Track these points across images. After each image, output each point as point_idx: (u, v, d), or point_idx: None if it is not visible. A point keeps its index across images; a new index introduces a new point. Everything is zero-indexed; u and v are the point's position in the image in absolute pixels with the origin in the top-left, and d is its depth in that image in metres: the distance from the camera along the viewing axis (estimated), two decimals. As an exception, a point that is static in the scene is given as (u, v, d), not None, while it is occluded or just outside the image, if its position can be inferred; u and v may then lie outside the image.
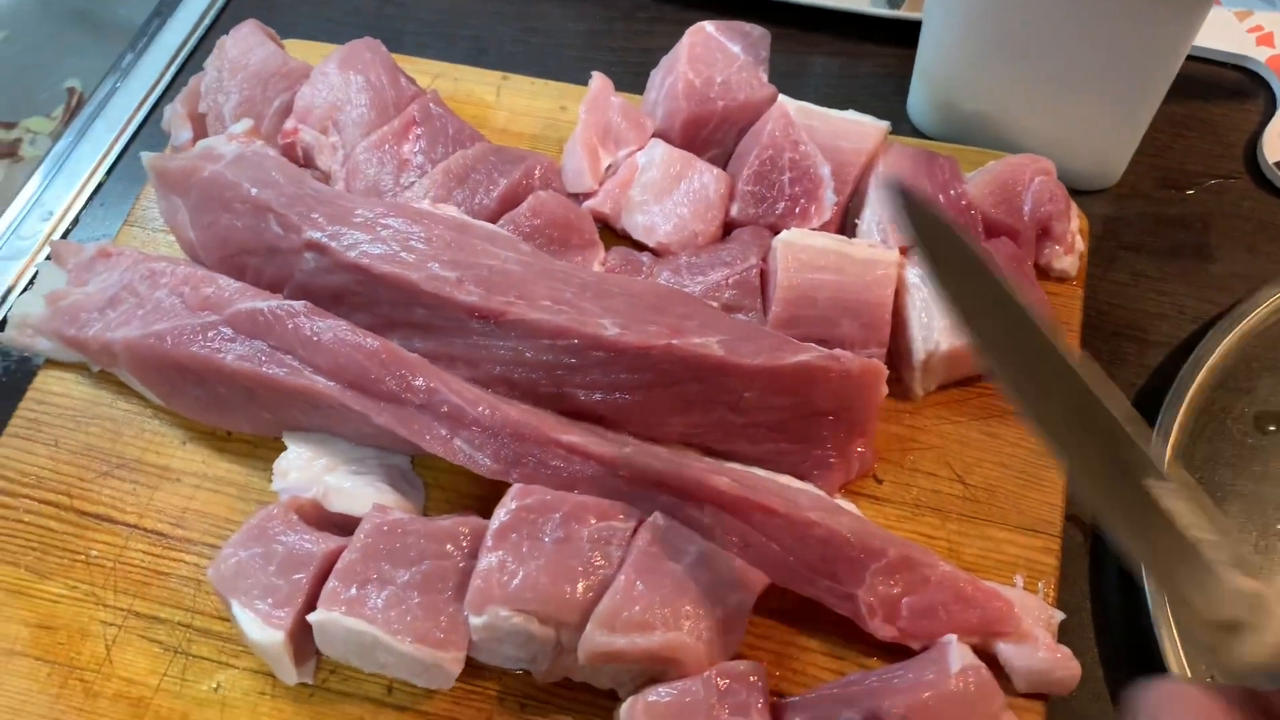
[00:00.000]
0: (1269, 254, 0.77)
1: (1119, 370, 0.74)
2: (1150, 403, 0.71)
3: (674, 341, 0.64)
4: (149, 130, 0.91)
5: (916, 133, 0.85)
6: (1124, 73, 0.72)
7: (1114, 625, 0.65)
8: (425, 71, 0.86)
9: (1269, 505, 0.68)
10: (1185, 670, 0.60)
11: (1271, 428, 0.71)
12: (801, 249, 0.69)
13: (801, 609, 0.63)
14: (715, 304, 0.70)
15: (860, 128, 0.74)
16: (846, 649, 0.62)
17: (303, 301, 0.66)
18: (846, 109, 0.76)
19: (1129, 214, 0.81)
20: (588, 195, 0.76)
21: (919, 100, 0.84)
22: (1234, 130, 0.84)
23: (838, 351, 0.65)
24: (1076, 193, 0.80)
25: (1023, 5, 0.71)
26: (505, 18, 0.95)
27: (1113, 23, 0.69)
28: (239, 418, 0.69)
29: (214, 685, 0.63)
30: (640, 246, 0.75)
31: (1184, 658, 0.61)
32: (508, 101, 0.85)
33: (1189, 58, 0.86)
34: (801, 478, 0.67)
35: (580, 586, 0.59)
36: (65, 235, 0.86)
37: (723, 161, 0.78)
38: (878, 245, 0.70)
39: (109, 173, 0.89)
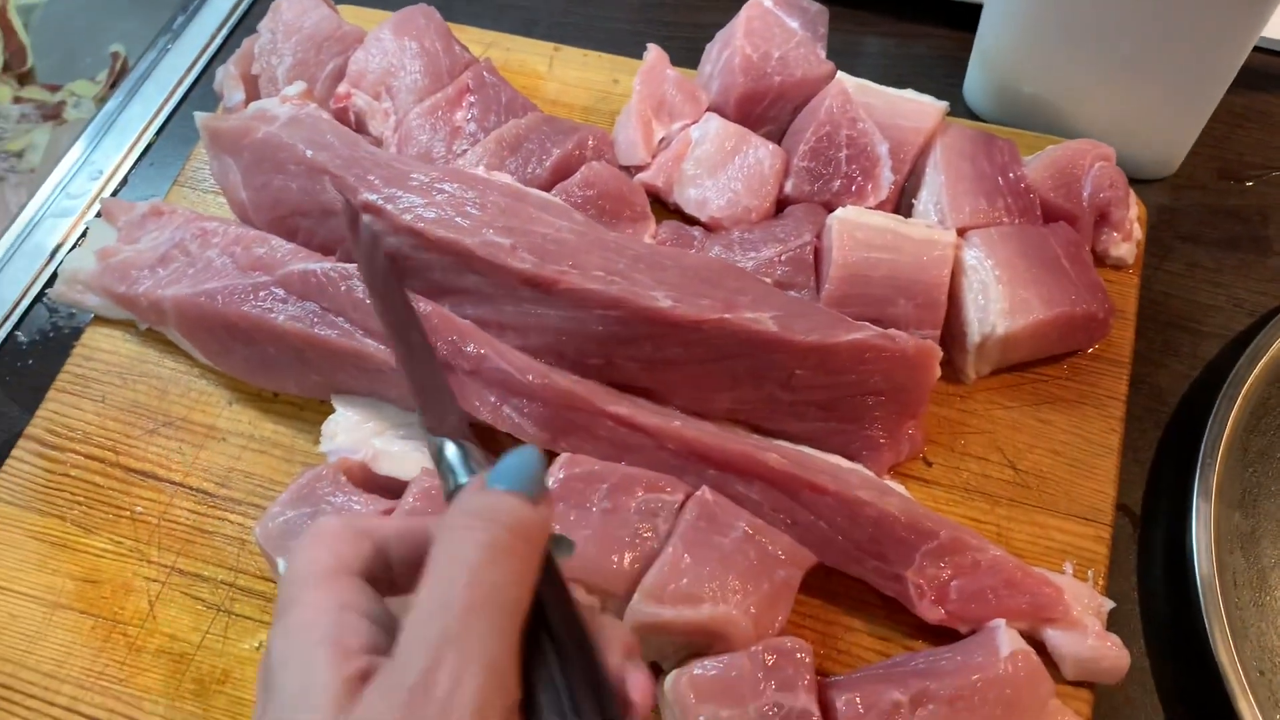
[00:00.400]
0: (1327, 247, 0.76)
1: (1172, 361, 0.73)
2: (1203, 395, 0.70)
3: (727, 316, 0.64)
4: (199, 92, 0.91)
5: (972, 116, 0.84)
6: (1189, 61, 0.71)
7: (1161, 615, 0.65)
8: (477, 41, 0.86)
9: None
10: (1236, 663, 0.60)
11: (1330, 423, 0.70)
12: (857, 227, 0.68)
13: (847, 589, 0.63)
14: (768, 280, 0.69)
15: (919, 107, 0.73)
16: (892, 630, 0.62)
17: (356, 264, 0.66)
18: (903, 90, 0.76)
19: (1186, 204, 0.79)
20: (640, 168, 0.76)
21: (976, 82, 0.83)
22: (1296, 122, 0.82)
23: (892, 331, 0.65)
24: (1134, 181, 0.79)
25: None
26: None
27: (1181, 10, 0.68)
28: (287, 379, 0.69)
29: (256, 644, 0.63)
30: (692, 221, 0.75)
31: (1234, 649, 0.60)
32: (560, 73, 0.85)
33: (1258, 50, 0.85)
34: (850, 458, 0.66)
35: (627, 557, 0.59)
36: (115, 194, 0.86)
37: (777, 138, 0.77)
38: (935, 226, 0.69)
39: (159, 133, 0.89)
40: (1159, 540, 0.67)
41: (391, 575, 0.42)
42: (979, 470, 0.67)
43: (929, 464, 0.67)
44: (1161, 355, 0.73)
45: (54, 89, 1.44)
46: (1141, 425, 0.70)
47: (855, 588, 0.62)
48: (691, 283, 0.66)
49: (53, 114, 1.39)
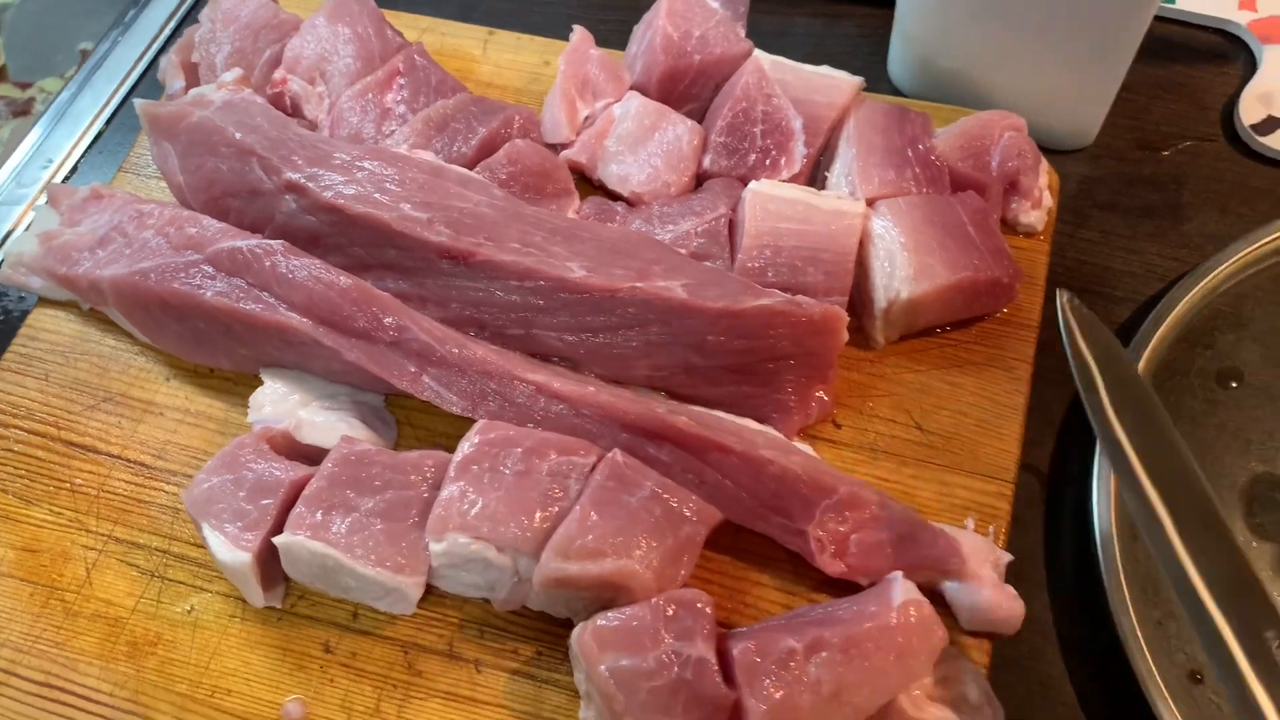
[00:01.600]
0: (1240, 214, 0.78)
1: (1084, 325, 0.74)
2: (1113, 357, 0.72)
3: (639, 285, 0.66)
4: (148, 82, 0.94)
5: (897, 92, 0.86)
6: (1094, 34, 0.73)
7: (1066, 570, 0.67)
8: (414, 26, 0.88)
9: (1225, 456, 0.68)
10: (1131, 614, 0.61)
11: (1233, 384, 0.71)
12: (770, 199, 0.70)
13: (755, 546, 0.65)
14: (684, 251, 0.71)
15: (833, 82, 0.75)
16: (797, 584, 0.64)
17: (280, 240, 0.69)
18: (819, 67, 0.78)
19: (1104, 174, 0.81)
20: (565, 146, 0.78)
21: (898, 59, 0.85)
22: (1212, 93, 0.84)
23: (799, 298, 0.67)
24: (1053, 152, 0.81)
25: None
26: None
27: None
28: (218, 354, 0.71)
29: (188, 608, 0.66)
30: (615, 196, 0.77)
31: (1129, 601, 0.62)
32: (493, 56, 0.87)
33: (1170, 21, 0.87)
34: (762, 421, 0.68)
35: (537, 517, 0.61)
36: (65, 181, 0.88)
37: (700, 115, 0.79)
38: (845, 197, 0.71)
39: (108, 122, 0.92)
40: (1068, 498, 0.69)
41: None
42: (887, 431, 0.69)
43: (838, 426, 0.69)
44: (1074, 320, 0.75)
45: (25, 86, 1.46)
46: (1053, 388, 0.72)
47: (763, 545, 0.65)
48: (607, 254, 0.68)
49: (22, 110, 1.42)
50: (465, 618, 0.64)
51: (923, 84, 0.83)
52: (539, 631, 0.63)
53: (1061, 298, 0.64)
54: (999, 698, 0.60)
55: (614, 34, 0.85)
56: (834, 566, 0.62)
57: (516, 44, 0.87)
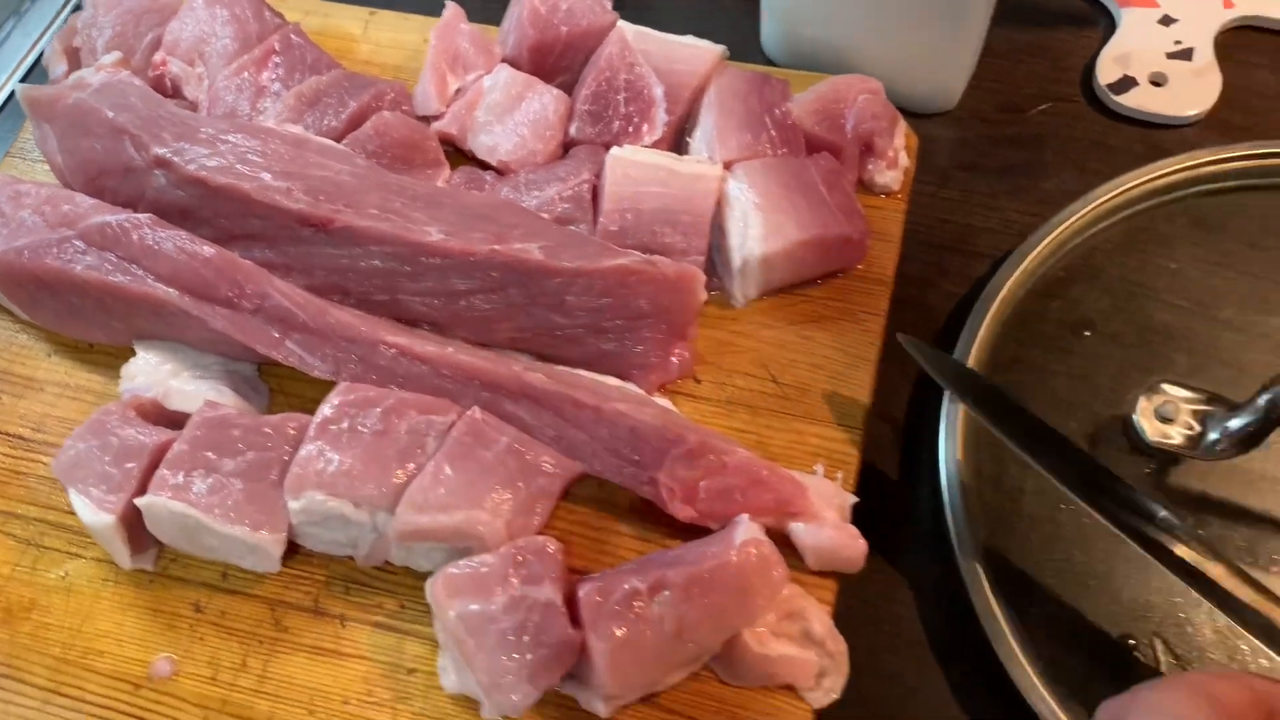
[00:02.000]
0: (1097, 170, 0.80)
1: (943, 281, 0.77)
2: (968, 311, 0.74)
3: (497, 247, 0.68)
4: (40, 71, 0.95)
5: (769, 62, 0.88)
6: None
7: (921, 514, 0.69)
8: (295, 8, 0.90)
9: (1076, 401, 0.71)
10: (972, 551, 0.64)
11: (1086, 332, 0.74)
12: (630, 165, 0.73)
13: (617, 498, 0.67)
14: (549, 216, 0.73)
15: (695, 51, 0.78)
16: (653, 532, 0.66)
17: (147, 215, 0.70)
18: (683, 36, 0.80)
19: (968, 135, 0.84)
20: (437, 118, 0.80)
21: (768, 30, 0.87)
22: (1073, 55, 0.86)
23: (655, 257, 0.69)
24: (917, 116, 0.83)
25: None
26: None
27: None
28: (94, 328, 0.73)
29: (62, 574, 0.67)
30: (486, 166, 0.79)
31: (970, 538, 0.64)
32: (374, 35, 0.89)
33: (1034, -14, 0.90)
34: (624, 378, 0.70)
35: (395, 473, 0.63)
36: (-44, 169, 0.89)
37: (571, 87, 0.81)
38: (704, 161, 0.73)
39: (1, 109, 0.93)
40: (924, 445, 0.71)
41: None
42: (744, 385, 0.71)
43: (699, 381, 0.71)
44: (935, 276, 0.77)
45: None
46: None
47: (624, 496, 0.67)
48: (467, 219, 0.70)
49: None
50: (331, 575, 0.66)
51: (792, 54, 0.86)
52: (404, 587, 0.65)
53: (901, 339, 0.67)
54: (848, 637, 0.62)
55: (498, 10, 0.87)
56: (684, 512, 0.64)
57: (397, 22, 0.89)
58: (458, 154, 0.81)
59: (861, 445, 0.68)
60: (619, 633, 0.58)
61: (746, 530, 0.61)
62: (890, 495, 0.69)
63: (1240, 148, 0.78)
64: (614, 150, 0.73)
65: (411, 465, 0.63)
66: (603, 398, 0.65)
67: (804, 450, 0.68)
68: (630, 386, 0.70)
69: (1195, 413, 0.66)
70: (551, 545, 0.61)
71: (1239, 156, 0.78)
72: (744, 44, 0.85)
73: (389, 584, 0.65)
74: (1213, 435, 0.64)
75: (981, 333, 0.72)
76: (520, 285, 0.68)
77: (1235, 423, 0.63)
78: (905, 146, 0.78)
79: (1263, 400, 0.61)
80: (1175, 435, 0.66)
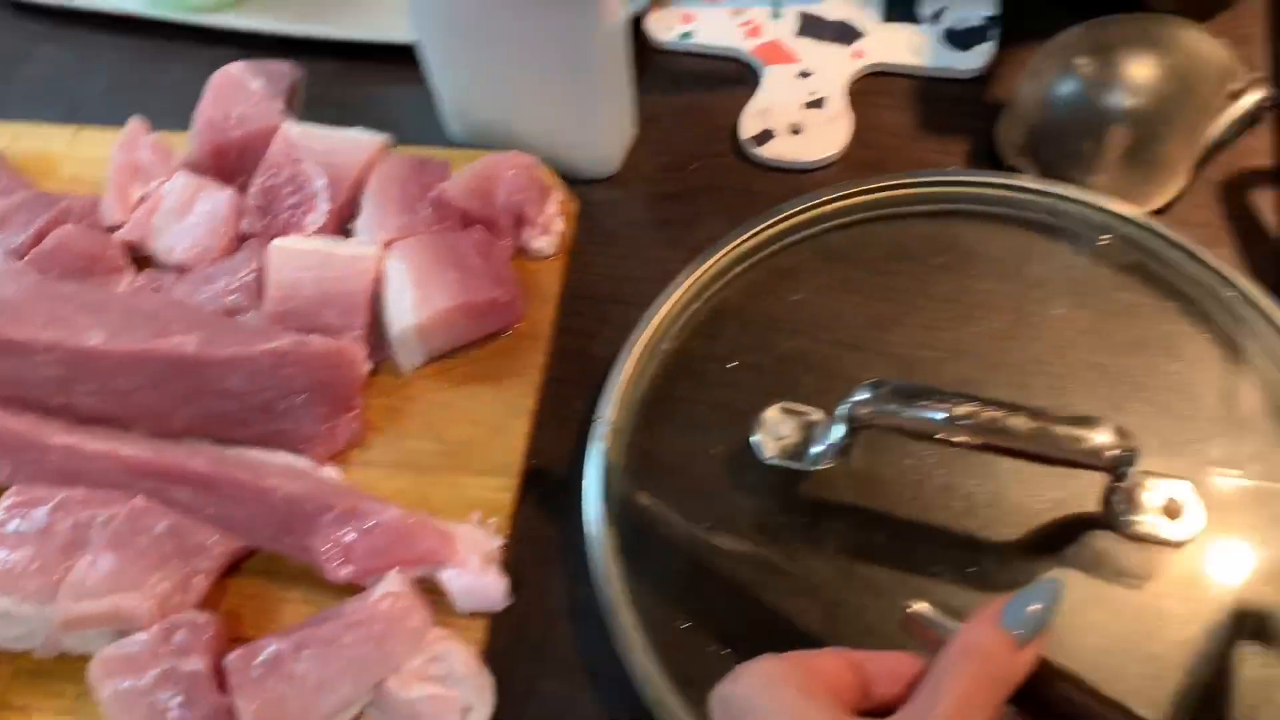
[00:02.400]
0: (742, 216, 0.87)
1: (605, 331, 0.83)
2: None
3: (150, 345, 0.73)
4: None
5: (451, 144, 0.95)
6: (567, 73, 0.83)
7: (579, 554, 0.74)
8: (4, 133, 0.94)
9: (718, 429, 0.77)
10: (617, 581, 0.69)
11: (730, 364, 0.80)
12: (290, 253, 0.78)
13: (286, 568, 0.71)
14: (219, 307, 0.78)
15: (355, 143, 0.84)
16: (320, 595, 0.70)
17: None
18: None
19: (633, 196, 0.91)
20: (121, 226, 0.84)
21: (446, 114, 0.93)
22: (726, 114, 0.94)
23: (311, 336, 0.74)
24: (585, 182, 0.91)
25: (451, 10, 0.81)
26: (97, 77, 1.03)
27: (521, 22, 0.79)
28: None
29: None
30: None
31: (615, 571, 0.70)
32: (78, 152, 0.93)
33: (692, 55, 0.98)
34: (298, 452, 0.75)
35: (59, 567, 0.67)
36: None
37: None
38: (363, 243, 0.80)
39: None
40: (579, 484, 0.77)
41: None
42: (413, 446, 0.76)
43: (368, 449, 0.77)
44: (597, 326, 0.83)
45: None
46: (575, 392, 0.80)
47: (292, 565, 0.71)
48: (131, 320, 0.75)
49: None
50: (17, 669, 0.69)
51: (470, 134, 0.92)
52: (81, 672, 0.68)
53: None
54: (509, 669, 0.67)
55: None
56: (339, 574, 0.69)
57: (100, 138, 0.94)
58: (147, 259, 0.85)
59: (518, 490, 0.74)
60: (262, 693, 0.62)
61: (388, 584, 0.66)
62: (542, 533, 0.75)
63: (865, 183, 0.86)
64: (275, 241, 0.79)
65: (74, 559, 0.67)
66: (259, 474, 0.70)
67: (462, 502, 0.73)
68: (300, 460, 0.75)
69: (802, 428, 0.73)
70: (201, 618, 0.65)
71: (862, 191, 0.86)
72: (433, 128, 0.91)
73: (69, 672, 0.68)
74: (815, 448, 0.71)
75: (629, 371, 0.78)
76: (182, 377, 0.73)
77: (831, 434, 0.70)
78: (563, 212, 0.85)
79: (843, 410, 0.68)
80: (788, 451, 0.73)
